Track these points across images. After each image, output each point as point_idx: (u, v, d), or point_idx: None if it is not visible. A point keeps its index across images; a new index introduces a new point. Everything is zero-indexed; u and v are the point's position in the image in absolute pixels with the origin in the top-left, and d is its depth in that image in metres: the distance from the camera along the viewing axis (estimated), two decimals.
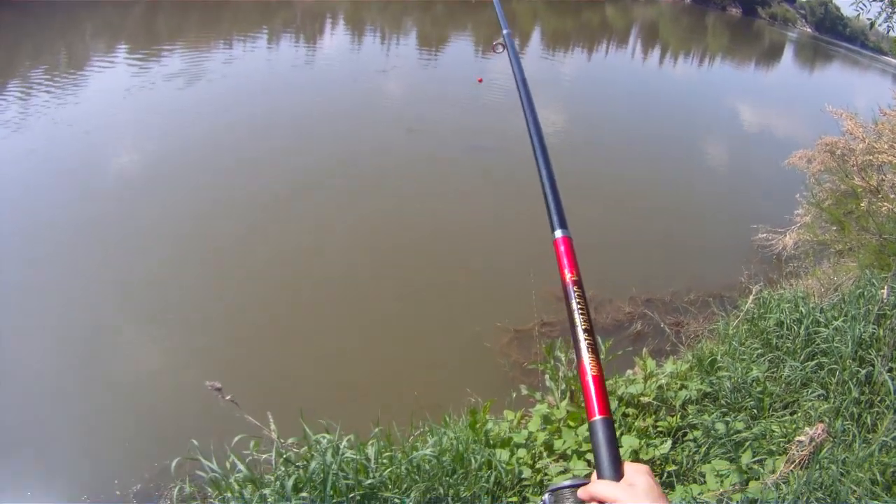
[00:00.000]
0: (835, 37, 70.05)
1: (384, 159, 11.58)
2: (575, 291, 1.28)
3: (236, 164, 10.30)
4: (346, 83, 16.82)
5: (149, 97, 13.08)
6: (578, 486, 1.13)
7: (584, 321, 1.22)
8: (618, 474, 1.06)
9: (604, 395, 1.15)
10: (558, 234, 1.40)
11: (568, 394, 4.53)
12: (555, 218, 1.45)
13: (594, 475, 1.11)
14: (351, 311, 7.23)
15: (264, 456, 3.48)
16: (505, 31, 2.52)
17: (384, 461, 3.51)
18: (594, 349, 1.19)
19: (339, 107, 14.40)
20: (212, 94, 14.05)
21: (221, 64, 16.60)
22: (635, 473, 1.06)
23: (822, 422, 3.73)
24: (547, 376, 4.73)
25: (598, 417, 1.12)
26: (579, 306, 1.25)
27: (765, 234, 10.01)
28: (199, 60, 16.30)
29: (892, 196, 6.50)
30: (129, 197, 9.03)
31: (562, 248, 1.37)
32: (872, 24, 5.28)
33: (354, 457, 3.37)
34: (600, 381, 1.15)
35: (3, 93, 12.20)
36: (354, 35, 24.23)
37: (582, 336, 1.20)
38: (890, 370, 4.14)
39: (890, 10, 5.05)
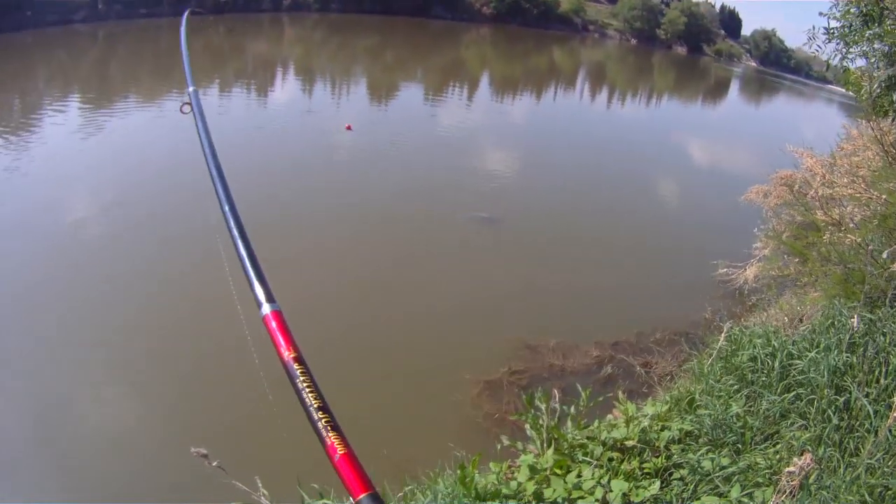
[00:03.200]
0: (780, 69, 72.47)
1: (335, 215, 11.77)
2: (298, 369, 1.16)
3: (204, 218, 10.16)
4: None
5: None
6: None
7: (315, 399, 1.12)
8: None
9: (359, 471, 1.05)
10: (266, 309, 1.25)
11: (552, 442, 4.52)
12: (259, 292, 1.28)
13: None
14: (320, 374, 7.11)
15: None
16: (190, 89, 2.22)
17: None
18: (334, 427, 1.09)
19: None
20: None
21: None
22: None
23: (807, 451, 3.78)
24: (528, 426, 4.72)
25: (363, 496, 1.03)
26: (306, 385, 1.13)
27: (725, 269, 10.18)
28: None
29: (855, 228, 6.67)
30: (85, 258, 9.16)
31: (273, 325, 1.23)
32: (828, 66, 5.55)
33: None
34: (350, 458, 1.06)
35: None
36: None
37: (317, 416, 1.10)
38: (867, 395, 4.23)
39: (844, 50, 5.32)
